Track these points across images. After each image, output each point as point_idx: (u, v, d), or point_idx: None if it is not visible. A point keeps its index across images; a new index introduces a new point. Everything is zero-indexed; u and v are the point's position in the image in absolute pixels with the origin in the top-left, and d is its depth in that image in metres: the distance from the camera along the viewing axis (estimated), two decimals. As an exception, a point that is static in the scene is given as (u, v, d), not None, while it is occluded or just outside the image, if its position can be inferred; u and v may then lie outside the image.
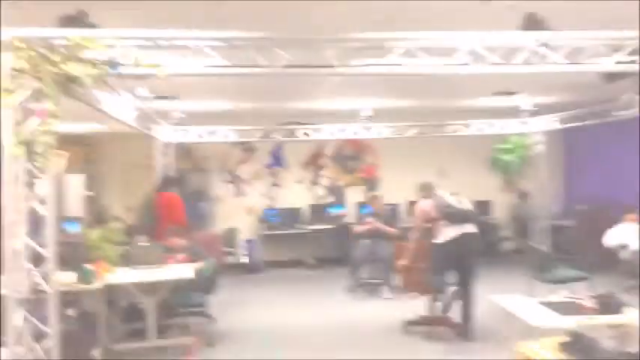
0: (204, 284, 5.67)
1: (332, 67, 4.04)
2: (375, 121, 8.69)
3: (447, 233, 5.46)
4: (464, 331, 5.49)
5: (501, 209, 10.71)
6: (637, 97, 5.33)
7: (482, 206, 10.34)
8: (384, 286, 7.66)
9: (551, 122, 8.75)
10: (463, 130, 9.06)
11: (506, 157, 9.04)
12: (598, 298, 3.71)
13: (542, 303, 3.77)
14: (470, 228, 5.52)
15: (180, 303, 5.78)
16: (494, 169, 9.36)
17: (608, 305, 3.53)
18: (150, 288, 5.33)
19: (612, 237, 7.19)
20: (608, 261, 7.52)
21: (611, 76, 5.33)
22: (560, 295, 4.00)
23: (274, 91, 7.62)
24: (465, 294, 5.58)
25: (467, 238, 5.48)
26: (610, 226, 8.11)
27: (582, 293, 3.98)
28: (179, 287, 5.59)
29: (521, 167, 9.01)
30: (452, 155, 10.85)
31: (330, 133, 8.83)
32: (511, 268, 9.36)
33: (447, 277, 5.67)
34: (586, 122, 7.85)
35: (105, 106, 5.16)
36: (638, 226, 7.32)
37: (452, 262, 5.57)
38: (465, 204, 5.62)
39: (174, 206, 7.11)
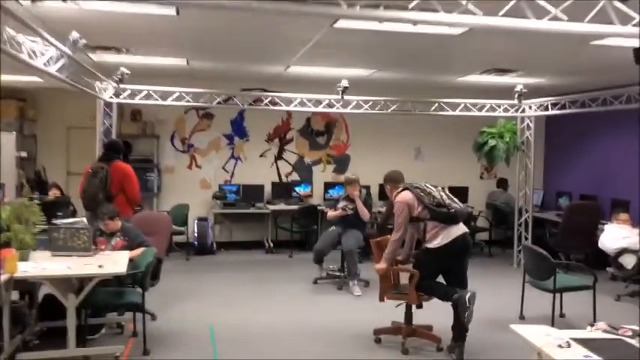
0: (143, 276, 4.61)
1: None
2: (351, 94, 7.69)
3: (442, 237, 4.58)
4: (454, 345, 4.62)
5: (478, 197, 9.95)
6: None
7: (460, 193, 9.60)
8: (353, 281, 6.76)
9: (547, 107, 7.96)
10: (447, 110, 8.18)
11: (492, 142, 8.23)
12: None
13: (577, 340, 2.89)
14: (464, 229, 4.67)
15: (111, 299, 4.72)
16: (478, 155, 8.55)
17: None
18: (72, 282, 4.27)
19: (609, 241, 6.46)
20: (597, 262, 6.88)
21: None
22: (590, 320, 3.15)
23: (239, 49, 6.50)
24: (466, 301, 4.70)
25: (461, 240, 4.63)
26: (598, 224, 7.52)
27: (620, 324, 3.12)
28: (111, 280, 4.54)
29: (507, 154, 8.22)
30: (431, 136, 10.01)
31: (300, 103, 7.78)
32: (489, 262, 8.79)
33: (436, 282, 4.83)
34: (589, 109, 7.08)
35: (24, 53, 3.98)
36: (632, 228, 6.63)
37: (444, 266, 4.71)
38: (457, 201, 4.74)
39: (127, 178, 6.02)
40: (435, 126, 9.67)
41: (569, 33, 3.63)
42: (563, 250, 7.79)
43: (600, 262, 6.94)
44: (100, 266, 4.25)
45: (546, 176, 10.22)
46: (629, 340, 2.94)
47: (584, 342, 2.88)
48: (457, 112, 8.20)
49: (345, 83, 7.28)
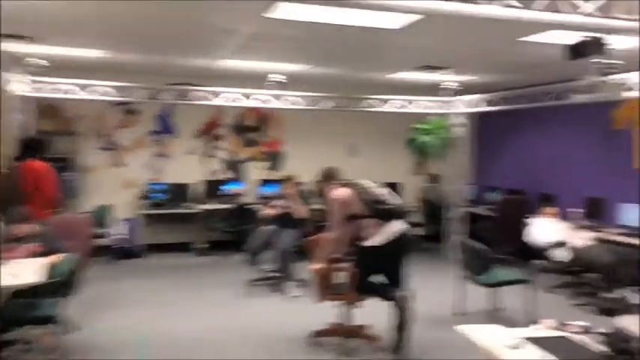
0: (59, 286, 4.19)
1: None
2: (285, 89, 7.48)
3: (381, 234, 4.45)
4: (396, 346, 4.51)
5: (410, 193, 10.00)
6: (602, 79, 4.58)
7: (393, 188, 9.57)
8: (289, 282, 6.55)
9: (478, 104, 8.08)
10: (380, 106, 8.14)
11: (425, 139, 8.26)
12: (598, 333, 2.83)
13: (529, 339, 2.81)
14: (403, 225, 4.56)
15: (24, 311, 4.27)
16: (410, 151, 8.58)
17: (619, 344, 2.63)
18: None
19: (541, 234, 6.59)
20: (526, 255, 7.01)
21: (578, 51, 4.51)
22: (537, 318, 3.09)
23: (166, 41, 6.13)
24: (404, 300, 4.60)
25: (402, 237, 4.52)
26: (525, 218, 7.69)
27: (567, 321, 3.08)
28: (25, 290, 4.09)
29: (440, 150, 8.28)
30: (365, 132, 9.95)
31: (231, 98, 7.48)
32: (424, 258, 8.82)
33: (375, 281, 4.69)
34: (519, 106, 7.23)
35: None
36: (559, 221, 6.81)
37: (383, 265, 4.58)
38: (396, 198, 4.64)
39: (43, 178, 5.52)
40: (370, 122, 9.62)
41: (521, 21, 3.54)
42: (496, 244, 7.90)
43: (527, 255, 7.06)
44: (12, 276, 3.82)
45: (477, 171, 10.42)
46: (576, 338, 2.90)
47: (535, 341, 2.81)
48: (389, 109, 8.18)
49: (277, 77, 7.07)
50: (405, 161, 9.91)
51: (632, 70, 5.19)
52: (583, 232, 6.72)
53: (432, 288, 6.86)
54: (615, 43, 4.39)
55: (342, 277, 4.80)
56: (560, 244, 6.37)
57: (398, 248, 4.55)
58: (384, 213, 4.46)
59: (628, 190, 7.11)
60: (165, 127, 9.12)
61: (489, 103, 7.88)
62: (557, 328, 3.01)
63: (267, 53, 6.61)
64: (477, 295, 5.59)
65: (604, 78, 4.47)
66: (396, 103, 8.20)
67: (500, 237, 7.89)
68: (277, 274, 6.81)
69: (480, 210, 9.21)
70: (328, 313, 4.94)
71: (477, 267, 5.33)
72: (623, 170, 7.30)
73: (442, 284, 6.64)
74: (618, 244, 6.51)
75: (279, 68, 7.27)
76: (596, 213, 7.31)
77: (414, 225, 9.68)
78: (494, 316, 5.40)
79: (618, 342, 2.64)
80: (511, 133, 9.69)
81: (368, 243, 4.50)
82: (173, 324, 5.46)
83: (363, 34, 5.34)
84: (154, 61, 7.39)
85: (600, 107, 7.25)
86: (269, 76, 7.15)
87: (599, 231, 6.90)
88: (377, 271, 4.65)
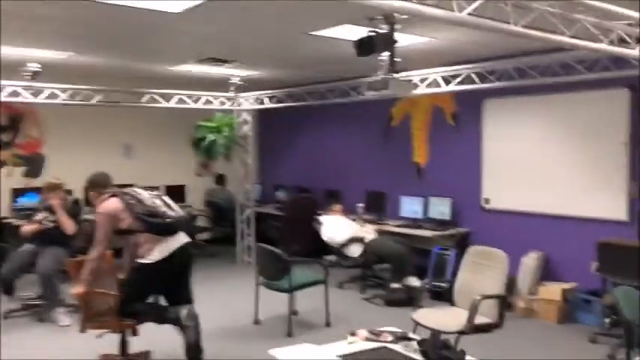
0: None
1: None
2: (44, 81, 6.35)
3: (157, 250, 3.87)
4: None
5: (196, 195, 9.44)
6: (393, 76, 4.60)
7: (176, 192, 8.97)
8: (57, 309, 5.53)
9: (264, 100, 7.87)
10: (161, 102, 7.44)
11: (210, 137, 7.78)
12: (410, 339, 2.68)
13: (344, 356, 2.54)
14: (184, 239, 4.05)
15: None
16: (195, 150, 8.02)
17: (435, 352, 2.50)
18: None
19: (334, 232, 6.63)
20: (318, 253, 7.02)
21: (366, 47, 4.46)
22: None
23: None
24: (187, 320, 4.06)
25: (182, 252, 3.99)
26: (315, 215, 7.75)
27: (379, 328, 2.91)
28: None
29: (226, 149, 7.88)
30: (143, 131, 9.07)
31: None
32: (213, 263, 8.34)
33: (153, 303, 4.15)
34: (305, 103, 7.19)
35: None
36: (346, 217, 6.96)
37: (162, 284, 4.02)
38: (176, 208, 4.11)
39: None
40: (148, 120, 8.80)
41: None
42: (286, 244, 7.80)
43: (318, 252, 7.07)
44: None
45: (263, 170, 10.27)
46: (392, 347, 2.73)
47: (353, 357, 2.55)
48: (171, 104, 7.54)
49: (34, 67, 5.95)
50: (189, 162, 9.31)
51: (417, 68, 5.42)
52: (369, 226, 6.92)
53: (227, 296, 6.48)
54: (401, 40, 4.44)
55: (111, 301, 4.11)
56: (355, 240, 6.46)
57: (179, 265, 4.02)
58: (159, 227, 3.90)
59: (407, 184, 7.55)
60: None
61: (275, 99, 7.73)
62: (371, 339, 2.81)
63: (19, 36, 5.45)
64: (274, 299, 5.34)
65: (391, 75, 4.48)
66: (177, 99, 7.56)
67: (290, 236, 7.80)
68: (41, 301, 5.70)
69: (269, 209, 9.06)
70: (107, 341, 4.18)
71: (275, 272, 5.04)
72: (403, 164, 7.72)
73: (237, 291, 6.30)
74: (400, 235, 6.84)
75: (35, 55, 6.10)
76: (377, 206, 7.62)
77: (201, 230, 9.20)
78: (293, 320, 5.18)
79: (433, 350, 2.51)
80: (297, 130, 9.72)
81: (143, 261, 3.89)
82: None
83: (140, 17, 4.63)
84: None
85: (380, 104, 7.58)
86: (27, 65, 6.00)
87: (382, 224, 7.19)
88: (154, 292, 4.10)
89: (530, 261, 5.90)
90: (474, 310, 3.80)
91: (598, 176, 5.59)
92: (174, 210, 4.03)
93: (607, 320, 5.04)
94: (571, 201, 5.81)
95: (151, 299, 4.11)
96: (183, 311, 3.88)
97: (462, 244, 6.65)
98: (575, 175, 5.77)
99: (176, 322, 3.90)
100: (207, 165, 9.68)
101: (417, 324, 4.05)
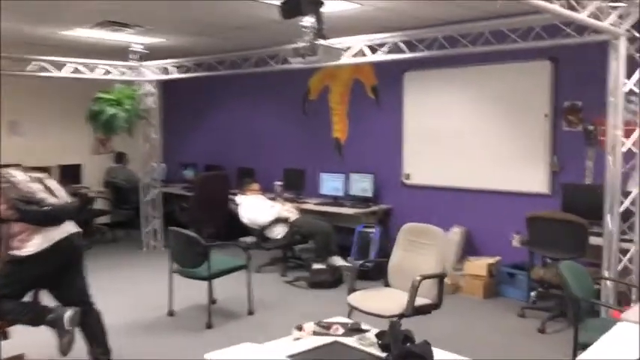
0: None
1: None
2: None
3: (36, 241, 3.33)
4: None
5: (93, 175, 8.59)
6: (322, 42, 4.20)
7: (71, 172, 8.14)
8: None
9: (169, 70, 7.21)
10: (51, 71, 6.57)
11: (109, 110, 7.00)
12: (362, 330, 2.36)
13: (293, 356, 2.17)
14: (71, 227, 3.52)
15: None
16: (92, 125, 7.20)
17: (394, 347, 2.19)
18: None
19: (255, 213, 6.21)
20: (233, 234, 6.59)
21: (292, 9, 4.04)
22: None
23: None
24: (86, 315, 3.54)
25: (67, 243, 3.47)
26: (228, 194, 7.28)
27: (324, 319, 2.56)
28: None
29: (128, 124, 7.13)
30: (31, 105, 8.04)
31: None
32: (114, 249, 7.62)
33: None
34: (217, 72, 6.63)
35: None
36: (265, 197, 6.57)
37: (43, 279, 3.49)
38: (60, 193, 3.55)
39: None
40: (37, 93, 7.82)
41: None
42: (196, 226, 7.25)
43: (234, 233, 6.63)
44: None
45: (169, 147, 9.53)
46: (345, 341, 2.39)
47: (305, 356, 2.18)
48: (64, 74, 6.68)
49: None
50: (85, 139, 8.43)
51: (345, 35, 5.04)
52: (289, 205, 6.56)
53: (138, 285, 5.91)
54: (326, 5, 4.06)
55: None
56: (279, 221, 6.09)
57: (63, 257, 3.48)
58: (35, 216, 3.34)
59: (327, 160, 7.25)
60: None
61: (183, 69, 7.09)
62: (320, 333, 2.46)
63: None
64: (189, 287, 4.87)
65: (316, 42, 4.10)
66: (71, 68, 6.71)
67: (201, 218, 7.26)
68: None
69: (176, 190, 8.42)
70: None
71: (191, 259, 4.55)
72: (322, 140, 7.39)
73: (149, 279, 5.77)
74: (322, 214, 6.55)
75: None
76: (296, 184, 7.27)
77: (99, 213, 8.39)
78: (213, 310, 4.74)
79: (395, 343, 2.20)
80: (206, 103, 9.08)
81: (19, 252, 3.33)
82: None
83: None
84: None
85: (298, 76, 7.19)
86: None
87: (302, 202, 6.86)
88: (32, 288, 3.55)
89: (453, 236, 5.83)
90: (414, 292, 3.57)
91: (520, 150, 5.57)
92: (56, 196, 3.47)
93: (533, 294, 5.05)
94: (493, 175, 5.77)
95: (27, 298, 3.54)
96: (67, 313, 3.35)
97: (384, 220, 6.50)
98: (498, 149, 5.73)
99: (54, 324, 3.38)
100: (106, 142, 8.85)
101: (353, 308, 3.78)
